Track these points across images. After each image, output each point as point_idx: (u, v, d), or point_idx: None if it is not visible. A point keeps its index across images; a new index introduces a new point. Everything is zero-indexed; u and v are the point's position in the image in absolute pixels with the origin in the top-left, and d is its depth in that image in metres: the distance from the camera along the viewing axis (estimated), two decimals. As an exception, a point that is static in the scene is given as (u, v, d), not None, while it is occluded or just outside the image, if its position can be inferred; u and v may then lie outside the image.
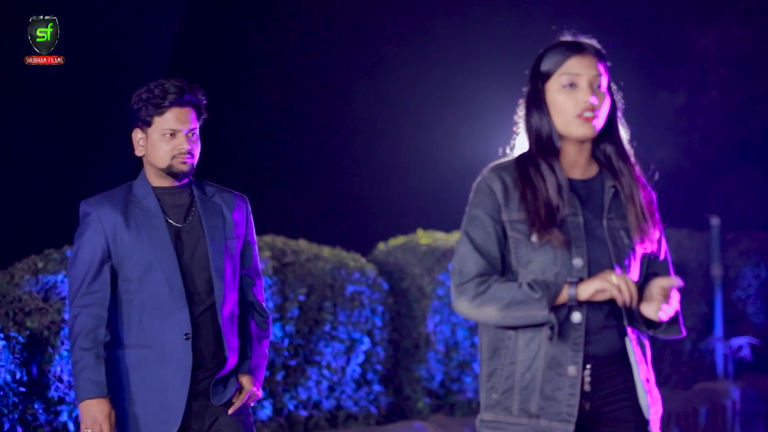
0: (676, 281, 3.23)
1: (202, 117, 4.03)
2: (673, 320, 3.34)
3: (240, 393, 4.02)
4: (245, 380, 4.04)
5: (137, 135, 4.02)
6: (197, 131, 4.02)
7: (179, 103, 3.95)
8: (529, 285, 3.20)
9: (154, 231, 3.94)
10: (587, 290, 3.20)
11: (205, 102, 4.04)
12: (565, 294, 3.21)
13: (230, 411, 3.97)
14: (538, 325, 3.24)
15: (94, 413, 3.84)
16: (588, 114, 3.26)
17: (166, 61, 9.85)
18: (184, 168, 3.98)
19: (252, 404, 4.10)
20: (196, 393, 3.95)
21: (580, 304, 3.24)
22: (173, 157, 3.96)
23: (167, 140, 3.95)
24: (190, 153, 3.98)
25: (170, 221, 3.99)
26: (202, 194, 4.07)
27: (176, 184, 4.03)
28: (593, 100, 3.26)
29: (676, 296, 3.25)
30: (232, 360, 3.98)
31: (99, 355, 3.86)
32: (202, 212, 4.01)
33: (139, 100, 3.98)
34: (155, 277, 3.92)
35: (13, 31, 5.73)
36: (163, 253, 3.92)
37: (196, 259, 3.98)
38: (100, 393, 3.85)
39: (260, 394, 4.08)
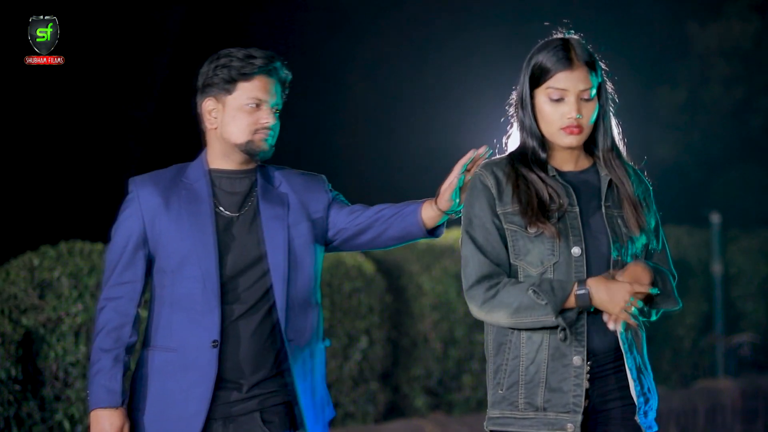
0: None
1: (285, 95, 3.50)
2: (668, 292, 3.28)
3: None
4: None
5: (208, 105, 3.45)
6: (279, 110, 3.49)
7: (267, 71, 3.43)
8: (534, 291, 3.17)
9: (196, 218, 3.40)
10: (599, 298, 3.17)
11: (290, 78, 3.51)
12: (572, 300, 3.17)
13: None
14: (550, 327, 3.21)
15: (103, 426, 3.37)
16: (572, 128, 3.25)
17: (167, 60, 9.83)
18: (265, 146, 3.44)
19: None
20: (230, 416, 3.41)
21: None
22: (255, 131, 3.42)
23: (249, 112, 3.41)
24: (273, 131, 3.46)
25: (221, 209, 3.44)
26: (266, 182, 3.50)
27: (242, 167, 3.48)
28: (578, 115, 3.25)
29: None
30: (301, 388, 3.47)
31: (118, 359, 3.38)
32: (261, 201, 3.46)
33: (217, 66, 3.43)
34: (189, 271, 3.38)
35: (13, 31, 5.70)
36: (202, 245, 3.38)
37: (248, 255, 3.43)
38: (114, 403, 3.36)
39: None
